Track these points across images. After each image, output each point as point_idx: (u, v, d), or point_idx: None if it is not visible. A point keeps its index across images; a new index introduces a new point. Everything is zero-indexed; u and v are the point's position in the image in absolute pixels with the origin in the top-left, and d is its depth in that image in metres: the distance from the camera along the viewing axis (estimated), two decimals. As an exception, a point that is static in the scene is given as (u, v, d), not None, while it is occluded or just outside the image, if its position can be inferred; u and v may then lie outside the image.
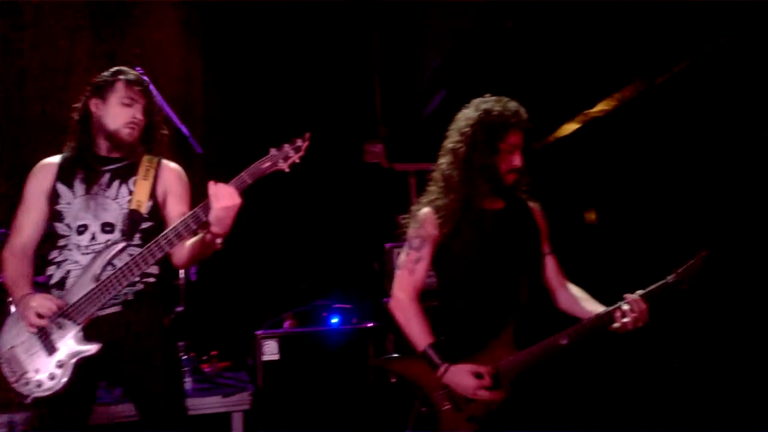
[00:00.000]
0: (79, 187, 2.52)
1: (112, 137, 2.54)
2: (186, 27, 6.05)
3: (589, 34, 3.58)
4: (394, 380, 4.09)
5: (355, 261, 5.61)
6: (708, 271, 2.39)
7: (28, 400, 2.36)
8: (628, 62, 3.53)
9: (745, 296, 2.98)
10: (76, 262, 2.45)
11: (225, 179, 2.35)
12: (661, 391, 3.45)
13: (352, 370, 4.36)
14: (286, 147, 2.35)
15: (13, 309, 2.49)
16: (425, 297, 2.61)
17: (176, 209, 2.57)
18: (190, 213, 2.34)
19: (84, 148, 2.55)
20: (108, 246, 2.42)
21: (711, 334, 3.20)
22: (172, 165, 2.69)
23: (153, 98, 2.65)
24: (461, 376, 2.42)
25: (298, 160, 2.35)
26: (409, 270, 2.60)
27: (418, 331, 2.52)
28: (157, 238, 2.34)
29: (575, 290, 2.70)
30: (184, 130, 4.58)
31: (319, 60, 6.10)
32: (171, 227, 2.35)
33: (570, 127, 4.30)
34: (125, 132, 2.54)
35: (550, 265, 2.74)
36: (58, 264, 2.48)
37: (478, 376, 2.42)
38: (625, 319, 2.38)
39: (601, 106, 3.92)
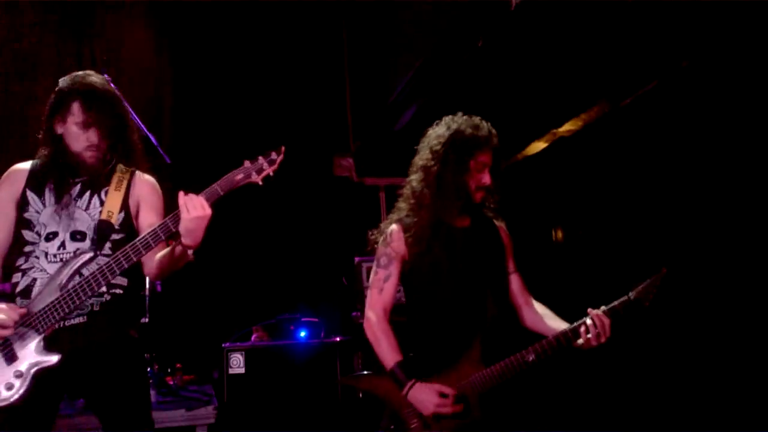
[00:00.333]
0: (50, 195, 2.48)
1: (75, 158, 2.48)
2: (156, 39, 6.04)
3: (558, 55, 3.66)
4: (361, 395, 4.10)
5: (323, 274, 5.60)
6: (668, 288, 2.44)
7: (-16, 410, 2.29)
8: (594, 84, 3.61)
9: (702, 312, 3.06)
10: (42, 270, 2.41)
11: (194, 190, 2.34)
12: (630, 404, 3.51)
13: (320, 384, 4.34)
14: (261, 159, 2.33)
15: None
16: (395, 312, 2.63)
17: (148, 220, 2.53)
18: (159, 223, 2.31)
19: (55, 158, 2.50)
20: (76, 255, 2.37)
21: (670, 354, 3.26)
22: (146, 176, 2.65)
23: (118, 109, 2.54)
24: (425, 395, 2.44)
25: (271, 174, 2.34)
26: (379, 289, 2.63)
27: (386, 350, 2.53)
28: (124, 248, 2.29)
29: (540, 308, 2.73)
30: (153, 139, 4.55)
31: (291, 72, 6.12)
32: (140, 237, 2.31)
33: (538, 146, 4.37)
34: (87, 155, 2.48)
35: (516, 283, 2.77)
36: (24, 272, 2.42)
37: (442, 395, 2.43)
38: (589, 335, 2.41)
39: (568, 126, 3.99)
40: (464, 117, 2.66)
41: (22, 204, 2.48)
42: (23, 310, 2.30)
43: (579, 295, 3.01)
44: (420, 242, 2.58)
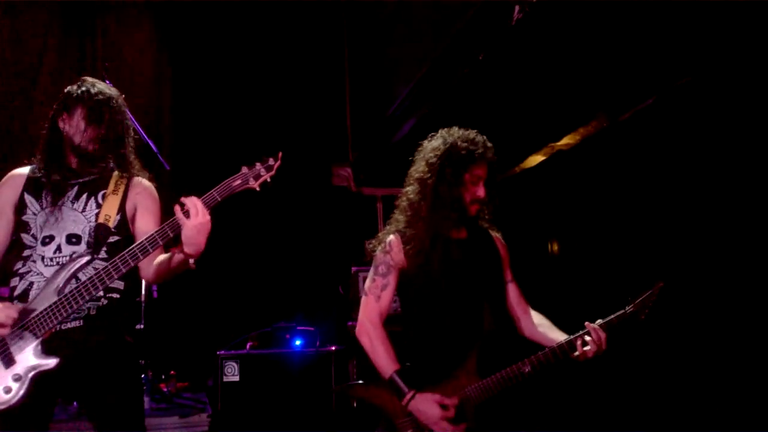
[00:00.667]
0: (47, 198, 2.49)
1: (78, 152, 2.51)
2: (157, 46, 6.07)
3: (558, 69, 3.69)
4: (355, 404, 4.09)
5: (320, 283, 5.61)
6: (663, 300, 2.46)
7: (-18, 413, 2.29)
8: (593, 98, 3.63)
9: (697, 325, 3.07)
10: (39, 273, 2.41)
11: (192, 195, 2.35)
12: (626, 414, 3.51)
13: (314, 393, 4.33)
14: (258, 165, 2.35)
15: None
16: (389, 322, 2.64)
17: (145, 225, 2.53)
18: (157, 229, 2.32)
19: (54, 160, 2.52)
20: (73, 259, 2.38)
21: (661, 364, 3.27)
22: (144, 181, 2.66)
23: (121, 112, 2.59)
24: (427, 405, 2.43)
25: (269, 179, 2.36)
26: (375, 296, 2.63)
27: (383, 358, 2.53)
28: (122, 253, 2.30)
29: (537, 317, 2.74)
30: (153, 146, 4.56)
31: (291, 81, 6.15)
32: (137, 243, 2.32)
33: (536, 159, 4.40)
34: (91, 147, 2.50)
35: (513, 293, 2.79)
36: (22, 275, 2.43)
37: (443, 407, 2.43)
38: (586, 348, 2.43)
39: (566, 140, 4.02)
40: (460, 130, 2.68)
41: (20, 207, 2.50)
42: (21, 306, 2.30)
43: (574, 307, 3.02)
44: (418, 254, 2.59)
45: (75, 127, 2.50)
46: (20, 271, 2.44)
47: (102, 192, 2.53)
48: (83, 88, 2.54)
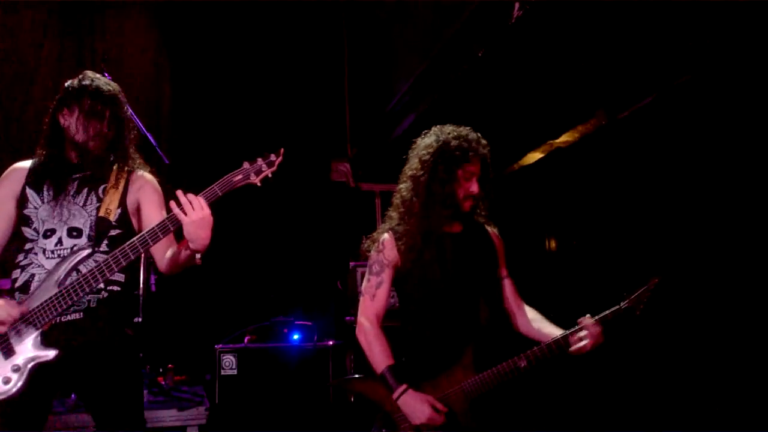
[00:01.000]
0: (48, 192, 2.50)
1: (79, 148, 2.52)
2: (157, 42, 6.07)
3: (557, 67, 3.69)
4: (352, 398, 4.11)
5: (318, 278, 5.62)
6: (660, 297, 2.48)
7: (-19, 402, 2.31)
8: (592, 96, 3.64)
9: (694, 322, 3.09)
10: (40, 266, 2.43)
11: (192, 189, 2.36)
12: (621, 410, 3.53)
13: (311, 387, 4.35)
14: (260, 161, 2.36)
15: None
16: (389, 317, 2.66)
17: (151, 216, 2.54)
18: (158, 223, 2.33)
19: (54, 155, 2.53)
20: (74, 251, 2.40)
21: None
22: (146, 174, 2.66)
23: (121, 107, 2.60)
24: (416, 403, 2.47)
25: (270, 175, 2.37)
26: (371, 295, 2.66)
27: (378, 354, 2.57)
28: (123, 246, 2.31)
29: (531, 312, 2.76)
30: (151, 139, 4.57)
31: (291, 76, 6.15)
32: (138, 236, 2.33)
33: (534, 156, 4.41)
34: (91, 144, 2.51)
35: (508, 288, 2.81)
36: (23, 267, 2.45)
37: (435, 409, 2.46)
38: (581, 343, 2.44)
39: (565, 137, 4.03)
40: (452, 127, 2.69)
41: (22, 201, 2.51)
42: (24, 308, 2.32)
43: (572, 304, 3.03)
44: (411, 250, 2.62)
45: (74, 123, 2.51)
46: (21, 263, 2.46)
47: (102, 186, 2.54)
48: (83, 83, 2.54)
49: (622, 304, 2.48)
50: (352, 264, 4.60)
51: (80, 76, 2.59)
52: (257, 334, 4.71)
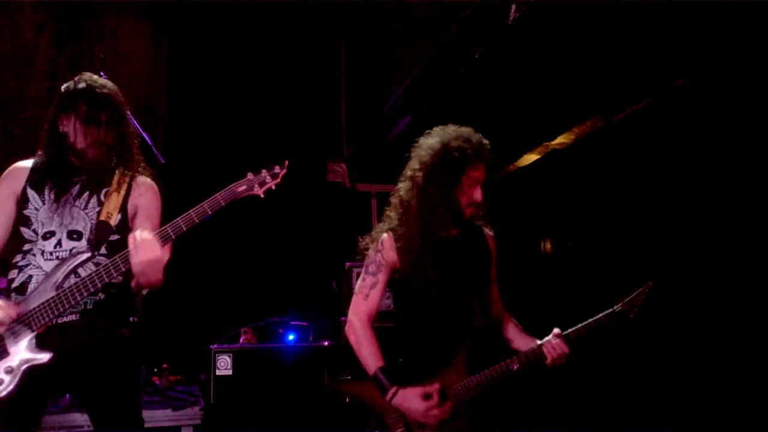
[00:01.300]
0: (49, 194, 2.48)
1: (78, 155, 2.50)
2: (153, 42, 6.06)
3: (553, 69, 3.70)
4: (347, 400, 4.11)
5: (314, 279, 5.62)
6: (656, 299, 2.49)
7: (-26, 404, 2.29)
8: (588, 98, 3.65)
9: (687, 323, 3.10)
10: (38, 267, 2.41)
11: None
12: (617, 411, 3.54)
13: (307, 388, 4.34)
14: (264, 172, 2.39)
15: None
16: (382, 317, 2.65)
17: (143, 226, 2.46)
18: (122, 252, 2.30)
19: (55, 158, 2.51)
20: (73, 254, 2.38)
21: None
22: (147, 181, 2.64)
23: (119, 110, 2.56)
24: (410, 400, 2.46)
25: (274, 187, 2.40)
26: (364, 295, 2.65)
27: (369, 355, 2.55)
28: (124, 252, 2.29)
29: (510, 321, 2.80)
30: (147, 138, 4.55)
31: (287, 77, 6.15)
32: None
33: (530, 158, 4.41)
34: (90, 151, 2.49)
35: (494, 292, 2.82)
36: (21, 268, 2.43)
37: (426, 397, 2.45)
38: (550, 358, 2.51)
39: (561, 139, 4.03)
40: (456, 129, 2.65)
41: (22, 201, 2.50)
42: (21, 308, 2.30)
43: (567, 306, 3.04)
44: (410, 252, 2.60)
45: (73, 129, 2.48)
46: (19, 263, 2.44)
47: (105, 190, 2.52)
48: (79, 87, 2.51)
49: (615, 307, 2.49)
50: (347, 264, 4.59)
51: (77, 79, 2.56)
52: (252, 334, 4.70)
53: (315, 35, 6.27)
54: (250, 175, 2.38)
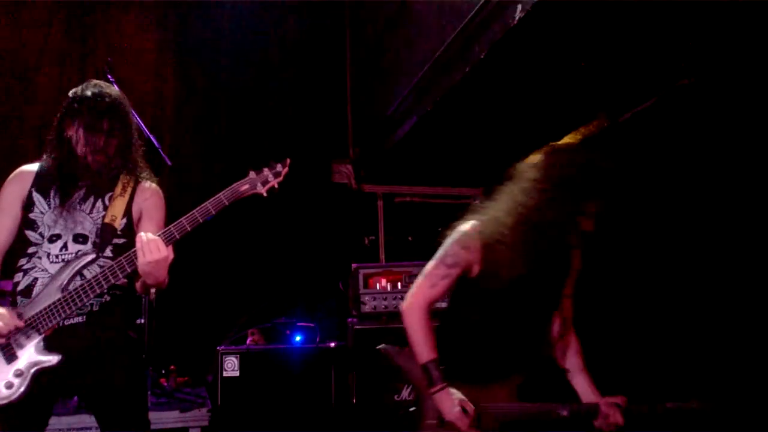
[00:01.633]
0: (55, 197, 2.49)
1: (81, 162, 2.49)
2: (160, 37, 6.07)
3: (559, 69, 3.69)
4: (354, 401, 4.12)
5: (320, 280, 5.62)
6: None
7: (-16, 407, 2.30)
8: (594, 98, 3.65)
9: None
10: (44, 270, 2.42)
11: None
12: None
13: (314, 389, 4.35)
14: (266, 170, 2.39)
15: None
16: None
17: (148, 230, 2.45)
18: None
19: (61, 165, 2.51)
20: (78, 256, 2.39)
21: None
22: (152, 186, 2.65)
23: (124, 117, 2.55)
24: (450, 402, 2.41)
25: (276, 186, 2.40)
26: (432, 283, 2.54)
27: (423, 343, 2.49)
28: (128, 253, 2.31)
29: (576, 345, 2.69)
30: (154, 141, 4.57)
31: (293, 78, 6.16)
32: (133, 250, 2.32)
33: (536, 158, 4.40)
34: (91, 159, 2.49)
35: (567, 309, 2.68)
36: (26, 271, 2.44)
37: (464, 410, 2.41)
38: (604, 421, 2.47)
39: (566, 139, 4.03)
40: (598, 154, 2.54)
41: (28, 204, 2.51)
42: (20, 323, 2.31)
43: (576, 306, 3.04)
44: (503, 261, 2.45)
45: (77, 137, 2.48)
46: (24, 267, 2.45)
47: (109, 194, 2.53)
48: (84, 94, 2.51)
49: (690, 402, 2.44)
50: (354, 265, 4.59)
51: (84, 85, 2.56)
52: (259, 335, 4.71)
53: (320, 35, 6.28)
54: (252, 174, 2.39)
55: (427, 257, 2.60)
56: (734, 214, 2.92)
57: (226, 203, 2.34)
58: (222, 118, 6.01)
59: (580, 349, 2.68)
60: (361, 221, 5.64)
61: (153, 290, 2.43)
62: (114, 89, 2.61)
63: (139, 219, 2.58)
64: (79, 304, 2.33)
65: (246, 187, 2.37)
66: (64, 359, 2.33)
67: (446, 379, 2.46)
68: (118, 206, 2.51)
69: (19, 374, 2.30)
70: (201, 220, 2.34)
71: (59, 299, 2.32)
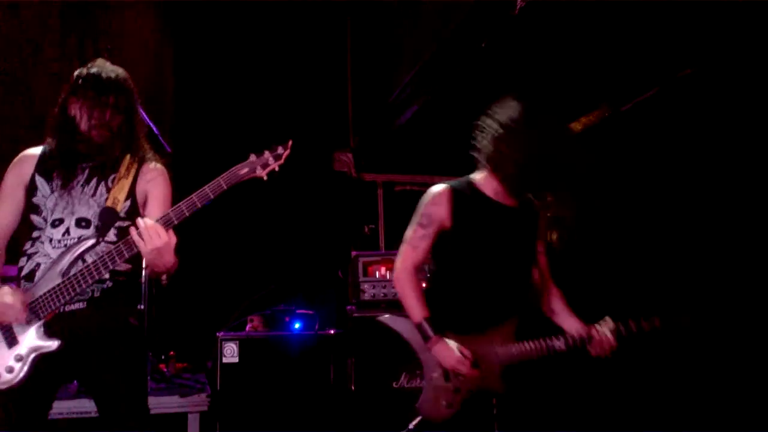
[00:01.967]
0: (57, 181, 2.48)
1: (83, 138, 2.48)
2: (159, 30, 6.05)
3: (561, 58, 3.69)
4: (353, 388, 4.15)
5: (320, 267, 5.63)
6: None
7: (-13, 391, 2.31)
8: (596, 88, 3.64)
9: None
10: (46, 255, 2.41)
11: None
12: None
13: (313, 376, 4.37)
14: (267, 153, 2.31)
15: None
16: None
17: (155, 212, 2.48)
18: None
19: (64, 144, 2.49)
20: (79, 241, 2.38)
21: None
22: (157, 166, 2.61)
23: (128, 95, 2.54)
24: (447, 351, 2.57)
25: (277, 169, 2.32)
26: (413, 246, 2.72)
27: (415, 304, 2.67)
28: (127, 238, 2.28)
29: (558, 296, 2.85)
30: (154, 128, 4.56)
31: (293, 66, 6.13)
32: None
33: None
34: (94, 133, 2.47)
35: (543, 264, 2.87)
36: (30, 256, 2.44)
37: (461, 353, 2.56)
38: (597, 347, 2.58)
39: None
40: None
41: (31, 189, 2.50)
42: (27, 297, 2.31)
43: (574, 298, 3.05)
44: (470, 214, 2.67)
45: (80, 112, 2.47)
46: (28, 251, 2.45)
47: (112, 176, 2.51)
48: (90, 71, 2.50)
49: (672, 313, 2.54)
50: (353, 253, 4.60)
51: (89, 64, 2.55)
52: (258, 322, 4.72)
53: (321, 24, 6.25)
54: (252, 157, 2.31)
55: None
56: (736, 204, 2.92)
57: (225, 187, 2.27)
58: (222, 106, 5.99)
59: (561, 294, 2.85)
60: (361, 209, 5.64)
61: (164, 276, 2.40)
62: (119, 68, 2.59)
63: (145, 201, 2.56)
64: (79, 290, 2.32)
65: (246, 170, 2.29)
66: (64, 345, 2.34)
67: (443, 332, 2.60)
68: (121, 188, 2.49)
69: (19, 359, 2.31)
70: (200, 205, 2.28)
71: (59, 284, 2.31)
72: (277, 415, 4.28)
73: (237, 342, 4.35)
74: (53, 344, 2.33)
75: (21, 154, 2.59)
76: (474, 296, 2.67)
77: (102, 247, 2.39)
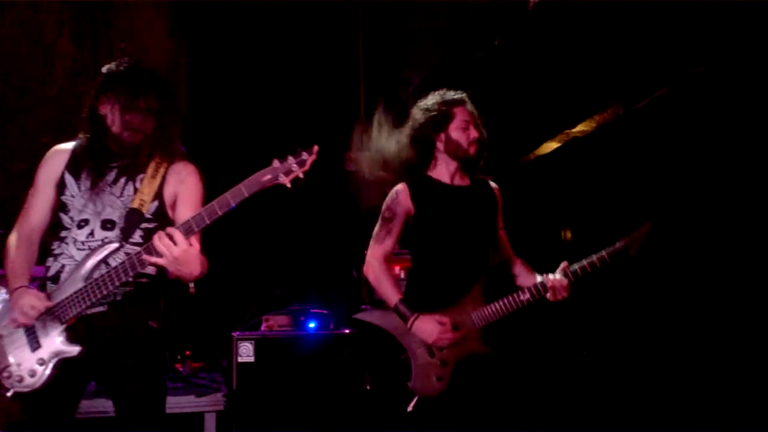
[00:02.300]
0: (86, 180, 2.44)
1: (115, 139, 2.44)
2: (172, 30, 6.07)
3: (574, 55, 3.67)
4: (368, 387, 4.16)
5: (334, 267, 5.64)
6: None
7: (9, 394, 2.32)
8: (609, 85, 3.62)
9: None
10: (71, 256, 2.37)
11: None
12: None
13: (328, 375, 4.38)
14: (290, 159, 2.15)
15: (6, 296, 2.43)
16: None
17: (182, 216, 2.42)
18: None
19: (93, 144, 2.45)
20: (103, 244, 2.34)
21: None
22: (189, 167, 2.55)
23: (161, 96, 2.46)
24: (426, 324, 2.73)
25: (301, 176, 2.17)
26: (379, 240, 2.95)
27: (388, 289, 2.85)
28: (147, 244, 2.21)
29: (520, 262, 3.07)
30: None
31: (306, 68, 6.14)
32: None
33: (551, 146, 4.39)
34: (125, 135, 2.42)
35: (503, 239, 3.11)
36: (56, 257, 2.41)
37: (441, 323, 2.72)
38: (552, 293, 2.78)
39: (581, 127, 4.01)
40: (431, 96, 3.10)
41: (61, 186, 2.46)
42: (49, 303, 2.31)
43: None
44: (426, 200, 2.90)
45: (111, 113, 2.43)
46: (55, 251, 2.42)
47: (140, 176, 2.46)
48: (122, 69, 2.47)
49: (617, 244, 2.70)
50: (367, 252, 4.60)
51: (118, 62, 2.51)
52: (273, 321, 4.73)
53: (333, 26, 6.26)
54: (275, 163, 2.15)
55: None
56: (750, 202, 2.90)
57: (247, 195, 2.14)
58: (236, 109, 6.00)
59: (522, 261, 3.06)
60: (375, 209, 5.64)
61: (191, 284, 2.38)
62: (151, 69, 2.55)
63: (174, 202, 2.49)
64: (104, 293, 2.28)
65: (268, 177, 2.14)
66: (86, 349, 2.33)
67: (420, 311, 2.76)
68: (149, 189, 2.42)
69: (41, 362, 2.30)
70: (220, 213, 2.17)
71: (82, 288, 2.29)
72: (292, 414, 4.29)
73: (252, 341, 4.37)
74: (75, 350, 2.31)
75: (52, 149, 2.54)
76: (441, 271, 2.86)
77: (127, 250, 2.34)
